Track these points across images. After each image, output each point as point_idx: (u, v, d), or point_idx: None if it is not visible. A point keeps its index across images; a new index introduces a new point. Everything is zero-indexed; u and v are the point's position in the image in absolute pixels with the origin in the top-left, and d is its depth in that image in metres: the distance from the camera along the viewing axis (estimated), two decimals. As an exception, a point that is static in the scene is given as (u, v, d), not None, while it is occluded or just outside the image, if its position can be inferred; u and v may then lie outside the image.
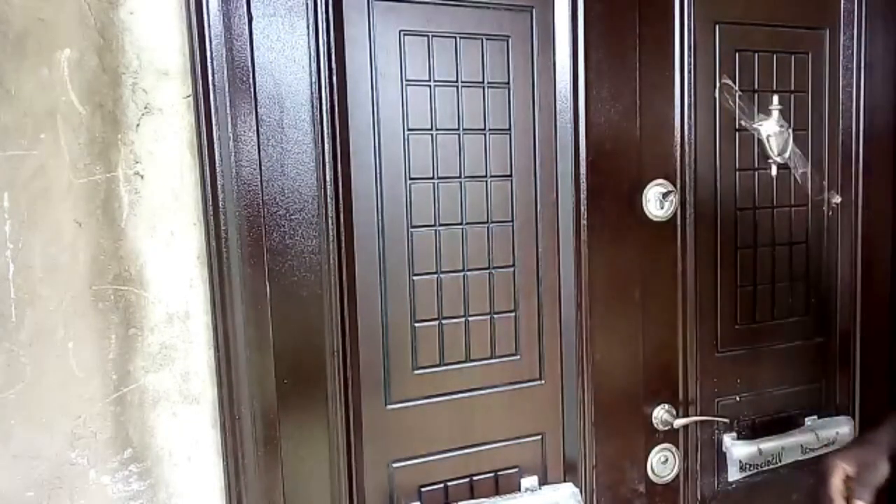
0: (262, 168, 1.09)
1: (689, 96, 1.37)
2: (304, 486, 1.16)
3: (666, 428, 1.39)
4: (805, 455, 1.48)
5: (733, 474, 1.45)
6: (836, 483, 1.15)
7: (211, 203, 1.06)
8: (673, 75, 1.35)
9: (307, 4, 1.09)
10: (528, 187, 1.30)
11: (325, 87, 1.11)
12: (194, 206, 1.09)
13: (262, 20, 1.07)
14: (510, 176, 1.29)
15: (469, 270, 1.27)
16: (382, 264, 1.22)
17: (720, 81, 1.41)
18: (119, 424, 1.07)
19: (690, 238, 1.40)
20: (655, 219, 1.36)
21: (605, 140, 1.30)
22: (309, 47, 1.10)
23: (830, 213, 1.54)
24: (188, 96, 1.06)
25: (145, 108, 1.05)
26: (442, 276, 1.26)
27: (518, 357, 1.33)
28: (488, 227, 1.28)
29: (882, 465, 1.14)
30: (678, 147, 1.37)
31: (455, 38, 1.23)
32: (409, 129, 1.21)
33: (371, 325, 1.22)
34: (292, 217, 1.12)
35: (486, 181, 1.27)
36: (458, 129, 1.24)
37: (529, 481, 1.34)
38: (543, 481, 1.36)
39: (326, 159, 1.12)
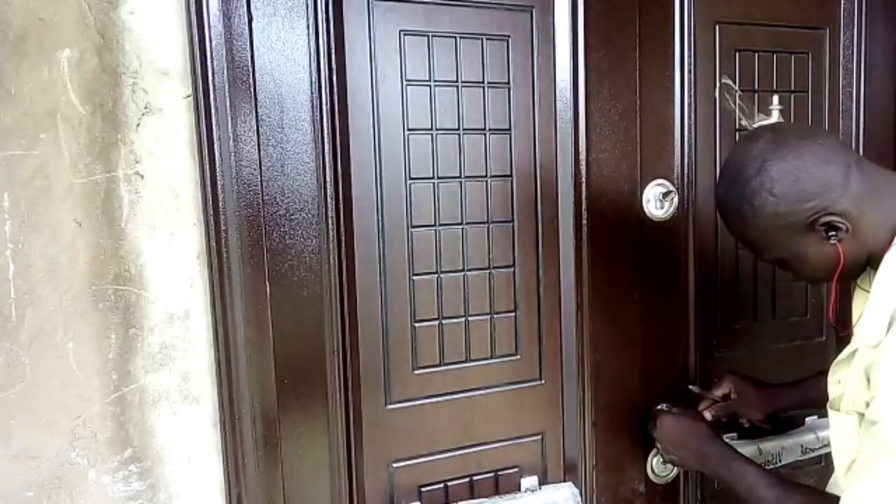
0: (262, 168, 1.09)
1: (689, 96, 1.37)
2: (304, 486, 1.16)
3: (666, 428, 1.39)
4: (805, 455, 1.47)
5: (733, 474, 1.45)
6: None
7: (211, 203, 1.06)
8: (673, 75, 1.35)
9: (307, 4, 1.09)
10: (528, 187, 1.30)
11: (325, 87, 1.11)
12: (194, 206, 1.09)
13: (262, 20, 1.07)
14: (510, 176, 1.29)
15: (469, 270, 1.27)
16: (382, 264, 1.21)
17: (720, 81, 1.41)
18: (119, 424, 1.07)
19: (690, 238, 1.40)
20: (655, 219, 1.36)
21: (605, 140, 1.30)
22: (309, 47, 1.10)
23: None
24: (188, 96, 1.06)
25: (145, 107, 1.05)
26: (442, 276, 1.26)
27: (518, 357, 1.33)
28: (488, 227, 1.28)
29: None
30: (678, 147, 1.37)
31: (455, 38, 1.23)
32: (409, 129, 1.21)
33: (371, 325, 1.22)
34: (292, 217, 1.12)
35: (486, 181, 1.27)
36: (458, 129, 1.24)
37: (529, 481, 1.34)
38: (543, 481, 1.36)
39: (326, 159, 1.12)
